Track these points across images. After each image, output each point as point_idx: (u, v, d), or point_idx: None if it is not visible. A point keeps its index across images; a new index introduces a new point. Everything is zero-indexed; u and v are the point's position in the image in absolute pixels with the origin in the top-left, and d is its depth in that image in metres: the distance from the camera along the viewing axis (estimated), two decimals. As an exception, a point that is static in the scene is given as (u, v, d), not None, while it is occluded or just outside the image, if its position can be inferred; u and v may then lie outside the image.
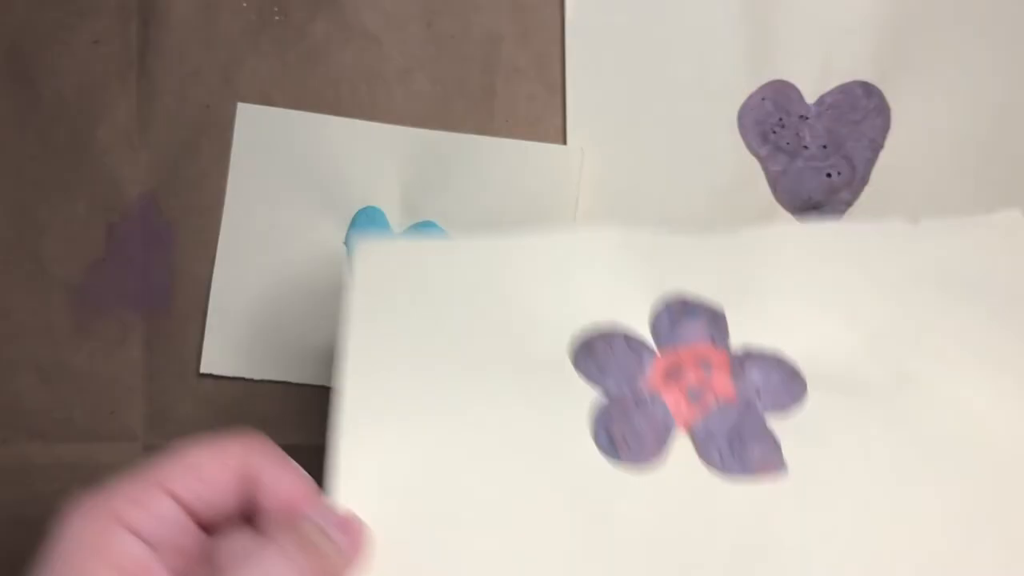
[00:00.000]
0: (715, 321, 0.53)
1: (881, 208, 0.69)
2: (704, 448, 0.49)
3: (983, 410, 0.51)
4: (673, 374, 0.51)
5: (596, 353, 0.52)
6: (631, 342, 0.52)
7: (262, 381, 0.70)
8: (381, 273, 0.55)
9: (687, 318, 0.53)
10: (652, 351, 0.52)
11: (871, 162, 0.69)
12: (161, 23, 0.70)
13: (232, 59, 0.70)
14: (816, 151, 0.69)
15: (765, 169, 0.70)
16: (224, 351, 0.70)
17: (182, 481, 0.44)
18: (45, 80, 0.70)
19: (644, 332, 0.53)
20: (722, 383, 0.51)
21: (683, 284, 0.54)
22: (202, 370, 0.69)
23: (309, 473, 0.54)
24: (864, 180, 0.69)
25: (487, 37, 0.70)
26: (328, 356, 0.69)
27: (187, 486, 0.44)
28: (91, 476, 0.69)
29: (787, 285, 0.55)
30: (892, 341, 0.53)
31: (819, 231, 0.59)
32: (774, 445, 0.49)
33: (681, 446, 0.49)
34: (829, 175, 0.69)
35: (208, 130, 0.70)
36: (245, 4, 0.70)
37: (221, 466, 0.45)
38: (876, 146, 0.69)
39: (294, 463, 0.47)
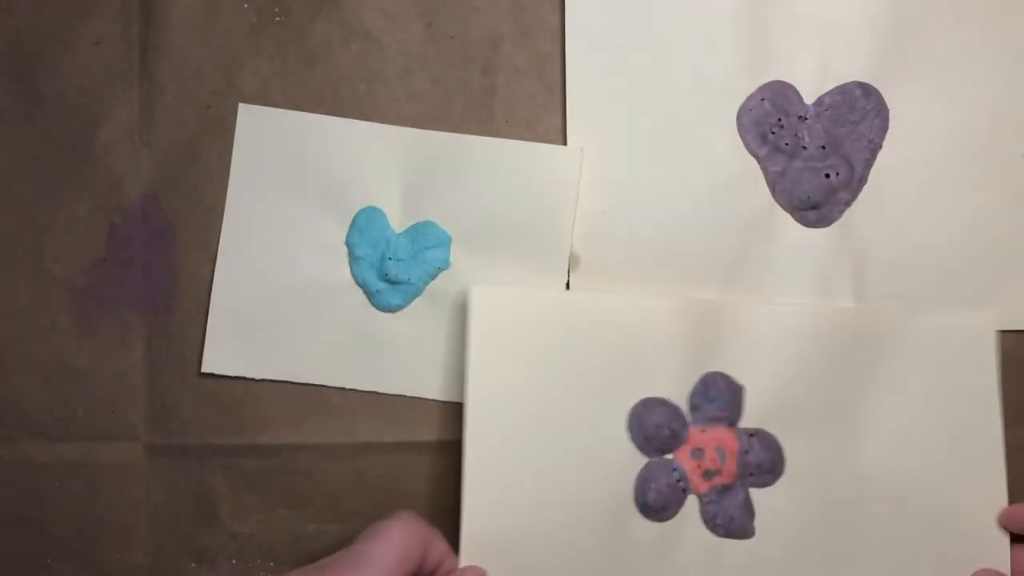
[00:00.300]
0: (735, 400, 0.68)
1: (879, 208, 0.69)
2: (705, 513, 0.68)
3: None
4: (697, 454, 0.68)
5: (646, 430, 0.68)
6: (672, 421, 0.68)
7: (263, 380, 0.70)
8: (495, 319, 0.67)
9: (717, 402, 0.68)
10: (686, 425, 0.68)
11: (869, 163, 0.69)
12: (162, 24, 0.70)
13: (233, 60, 0.70)
14: (815, 151, 0.69)
15: (764, 169, 0.70)
16: (226, 351, 0.70)
17: (410, 560, 0.60)
18: (47, 81, 0.70)
19: (683, 399, 0.68)
20: (730, 469, 0.68)
21: (720, 358, 0.68)
22: (203, 369, 0.70)
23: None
24: (862, 180, 0.69)
25: (487, 38, 0.70)
26: (328, 355, 0.70)
27: (411, 564, 0.60)
28: (93, 475, 0.70)
29: (796, 367, 0.68)
30: (850, 440, 0.68)
31: (836, 315, 0.68)
32: (750, 517, 0.68)
33: (690, 505, 0.68)
34: (828, 175, 0.69)
35: (209, 130, 0.70)
36: (246, 5, 0.70)
37: (417, 542, 0.61)
38: (874, 147, 0.69)
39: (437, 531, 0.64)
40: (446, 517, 0.70)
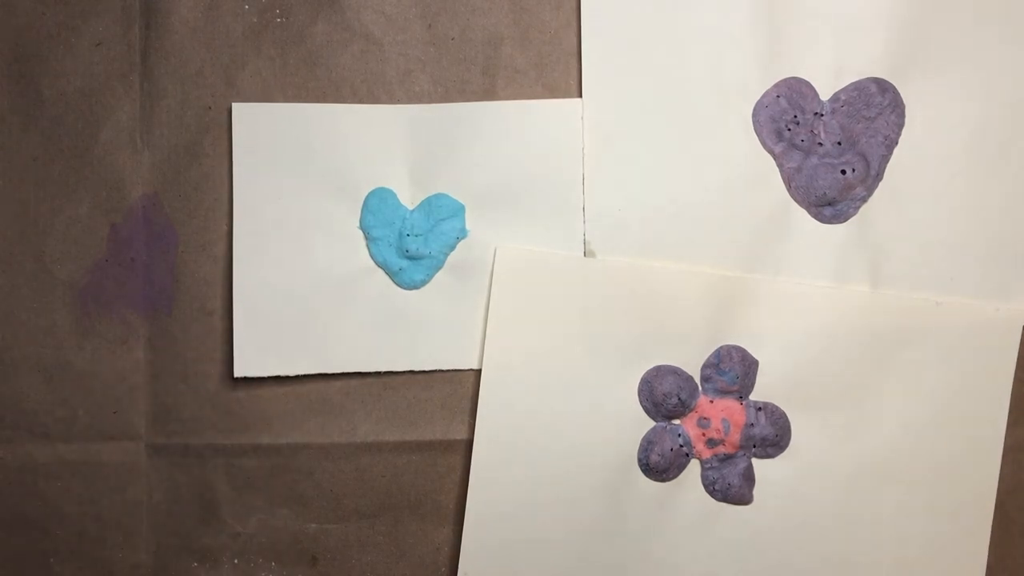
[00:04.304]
0: (747, 375, 0.70)
1: (896, 204, 0.69)
2: (706, 477, 0.71)
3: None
4: (703, 423, 0.70)
5: (655, 397, 0.70)
6: (681, 391, 0.70)
7: (295, 377, 0.71)
8: (518, 279, 0.70)
9: (729, 375, 0.70)
10: (696, 395, 0.70)
11: (885, 159, 0.69)
12: (163, 25, 0.70)
13: (234, 61, 0.70)
14: (831, 148, 0.69)
15: (780, 166, 0.69)
16: (256, 354, 0.70)
17: None
18: (48, 82, 0.70)
19: (696, 369, 0.70)
20: (733, 440, 0.70)
21: (738, 332, 0.70)
22: (236, 374, 0.70)
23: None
24: (878, 176, 0.69)
25: (487, 39, 0.70)
26: (359, 341, 0.70)
27: None
28: (94, 475, 0.71)
29: (815, 347, 0.70)
30: (859, 422, 0.71)
31: (861, 300, 0.70)
32: (751, 486, 0.71)
33: (692, 469, 0.71)
34: (844, 172, 0.69)
35: (210, 131, 0.70)
36: (246, 6, 0.70)
37: None
38: (890, 143, 0.69)
39: None
40: (447, 517, 0.71)
